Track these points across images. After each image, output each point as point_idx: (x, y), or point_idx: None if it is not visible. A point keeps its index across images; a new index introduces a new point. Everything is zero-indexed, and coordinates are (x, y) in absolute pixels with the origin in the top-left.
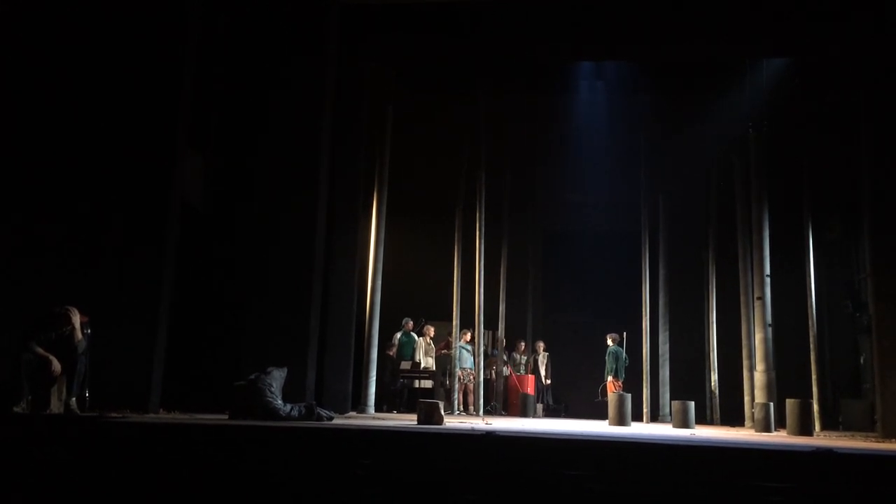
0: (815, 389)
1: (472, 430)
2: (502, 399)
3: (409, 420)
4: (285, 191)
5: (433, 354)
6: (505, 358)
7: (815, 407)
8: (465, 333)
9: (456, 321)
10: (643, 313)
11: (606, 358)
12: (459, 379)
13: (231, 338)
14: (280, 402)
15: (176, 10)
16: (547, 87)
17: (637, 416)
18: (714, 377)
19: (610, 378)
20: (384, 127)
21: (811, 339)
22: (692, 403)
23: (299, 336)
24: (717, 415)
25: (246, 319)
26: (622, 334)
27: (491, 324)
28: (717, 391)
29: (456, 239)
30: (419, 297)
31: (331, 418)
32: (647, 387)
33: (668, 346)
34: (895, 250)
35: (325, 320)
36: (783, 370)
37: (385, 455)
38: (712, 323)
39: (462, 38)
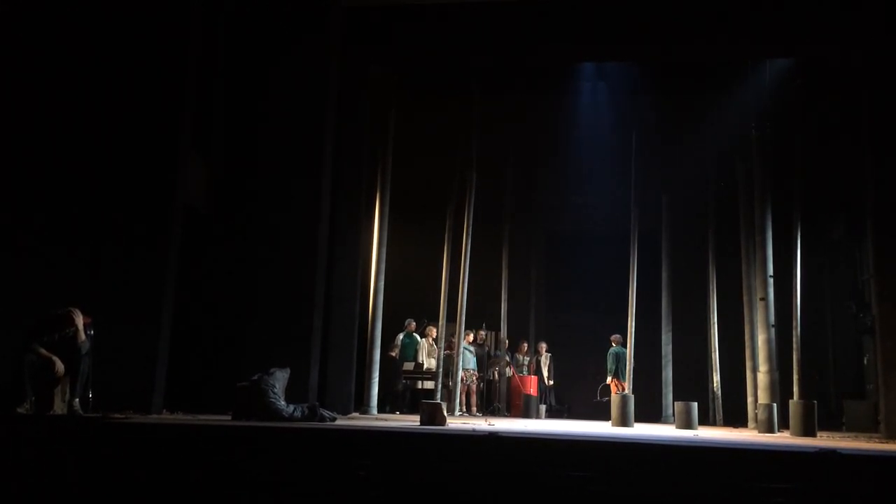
0: (795, 388)
1: (475, 431)
2: (505, 400)
3: (411, 421)
4: (288, 192)
5: (435, 355)
6: (508, 358)
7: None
8: (468, 334)
9: (442, 321)
10: (629, 313)
11: (607, 358)
12: (462, 380)
13: (234, 339)
14: (283, 402)
15: (178, 13)
16: (549, 89)
17: (639, 418)
18: (717, 378)
19: (611, 378)
20: (386, 128)
21: (794, 341)
22: (695, 404)
23: (302, 337)
24: (720, 416)
25: (248, 320)
26: (626, 336)
27: (493, 325)
28: (719, 392)
29: (446, 240)
30: (421, 298)
31: (333, 419)
32: (629, 386)
33: (670, 346)
34: None
35: (328, 321)
36: (786, 371)
37: (388, 456)
38: (713, 324)
39: (464, 39)
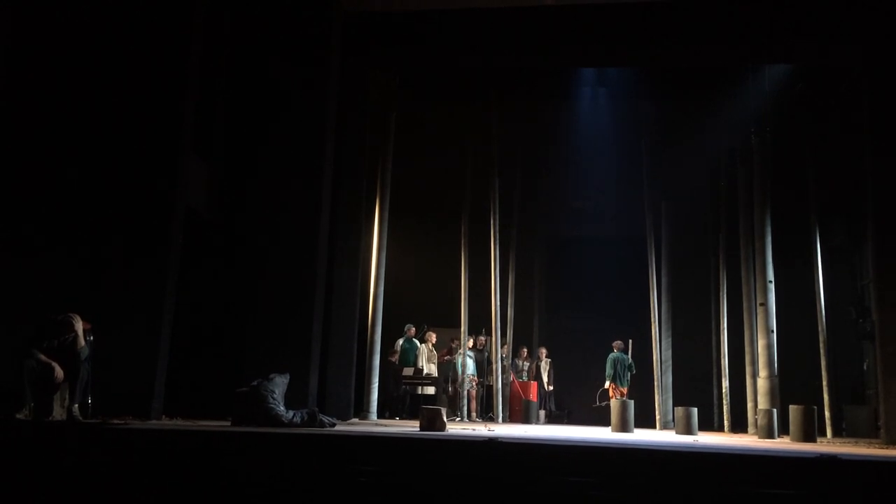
0: (826, 397)
1: (475, 436)
2: (505, 405)
3: (411, 426)
4: (289, 197)
5: (435, 361)
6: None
7: (827, 414)
8: (468, 340)
9: (464, 327)
10: (651, 319)
11: (606, 363)
12: (462, 385)
13: (234, 344)
14: (282, 408)
15: (180, 17)
16: (550, 94)
17: (643, 423)
18: (726, 384)
19: (609, 383)
20: (387, 133)
21: (821, 345)
22: (695, 410)
23: (302, 342)
24: (728, 421)
25: (248, 325)
26: (627, 342)
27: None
28: (728, 398)
29: (462, 245)
30: (421, 303)
31: (333, 425)
32: (658, 393)
33: (670, 352)
34: None
35: (328, 326)
36: (787, 376)
37: (388, 461)
38: (723, 329)
39: (464, 45)
